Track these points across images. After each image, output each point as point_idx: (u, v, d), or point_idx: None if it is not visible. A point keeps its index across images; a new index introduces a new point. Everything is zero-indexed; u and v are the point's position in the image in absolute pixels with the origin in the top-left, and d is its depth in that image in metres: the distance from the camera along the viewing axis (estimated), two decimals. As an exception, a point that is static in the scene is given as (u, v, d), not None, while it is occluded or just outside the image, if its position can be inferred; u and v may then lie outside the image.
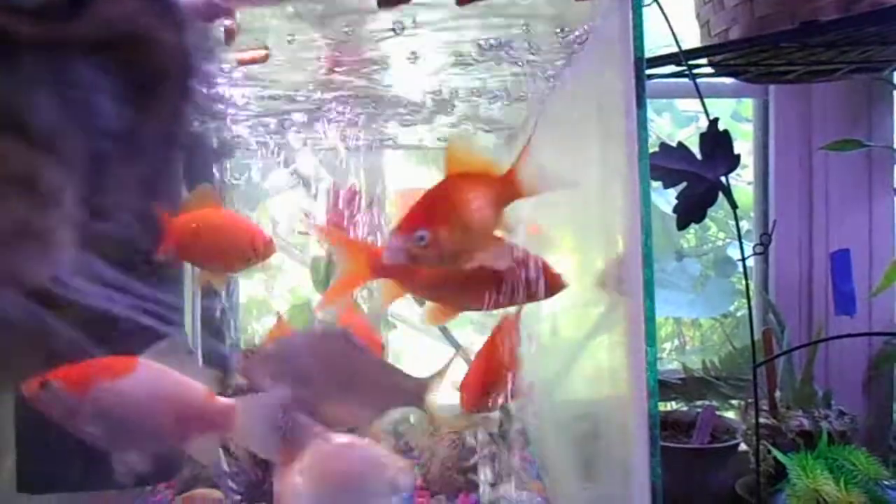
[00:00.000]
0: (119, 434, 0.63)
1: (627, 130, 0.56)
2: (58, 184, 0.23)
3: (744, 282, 1.01)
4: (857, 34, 0.92)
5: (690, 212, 0.92)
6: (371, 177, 1.30)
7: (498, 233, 0.67)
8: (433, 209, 0.63)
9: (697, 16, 1.09)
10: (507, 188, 0.65)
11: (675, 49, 0.95)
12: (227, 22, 0.68)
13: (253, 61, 0.75)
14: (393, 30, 0.74)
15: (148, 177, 0.28)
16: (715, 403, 1.35)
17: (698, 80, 0.95)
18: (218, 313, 1.19)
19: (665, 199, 1.50)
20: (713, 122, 0.92)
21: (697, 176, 0.92)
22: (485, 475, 1.11)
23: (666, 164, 0.92)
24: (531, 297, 0.72)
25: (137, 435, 0.64)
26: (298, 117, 1.14)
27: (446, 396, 0.82)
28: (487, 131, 1.31)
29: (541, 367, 1.10)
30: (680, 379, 1.39)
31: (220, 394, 0.69)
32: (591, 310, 0.81)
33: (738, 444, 1.23)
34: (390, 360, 1.19)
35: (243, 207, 1.34)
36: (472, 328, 1.33)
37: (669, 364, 1.66)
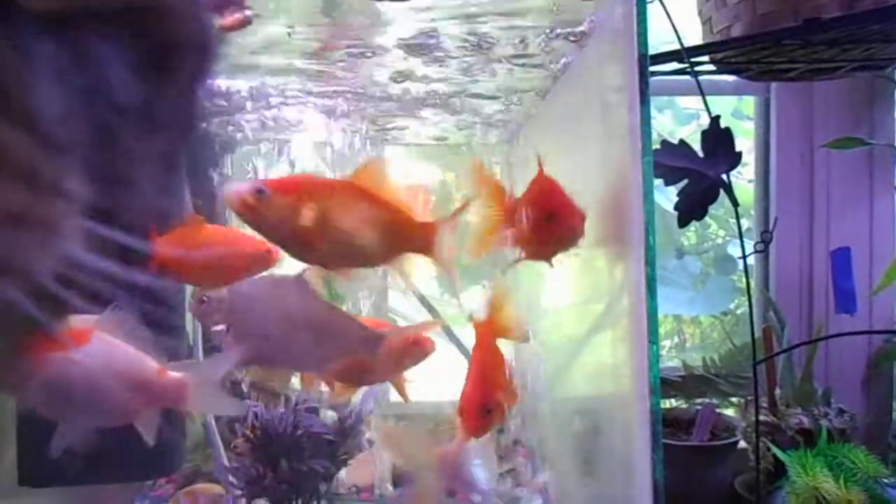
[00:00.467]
0: (67, 405, 0.62)
1: (631, 127, 0.56)
2: (61, 170, 0.22)
3: (744, 279, 1.01)
4: (859, 32, 0.92)
5: (691, 209, 0.92)
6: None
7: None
8: (304, 186, 0.63)
9: (699, 13, 1.08)
10: (409, 231, 0.66)
11: (676, 46, 0.95)
12: (245, 13, 0.67)
13: (235, 25, 0.73)
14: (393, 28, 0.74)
15: (162, 155, 0.26)
16: (715, 401, 1.35)
17: (700, 78, 0.95)
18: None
19: (666, 197, 1.50)
20: (715, 120, 0.92)
21: (698, 173, 0.91)
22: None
23: (667, 161, 0.92)
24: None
25: (86, 407, 0.63)
26: (296, 112, 1.14)
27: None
28: (488, 128, 1.31)
29: (542, 364, 1.10)
30: (680, 376, 1.39)
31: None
32: (594, 306, 0.81)
33: (737, 442, 1.23)
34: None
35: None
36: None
37: (669, 361, 1.67)
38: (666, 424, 1.28)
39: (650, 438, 0.55)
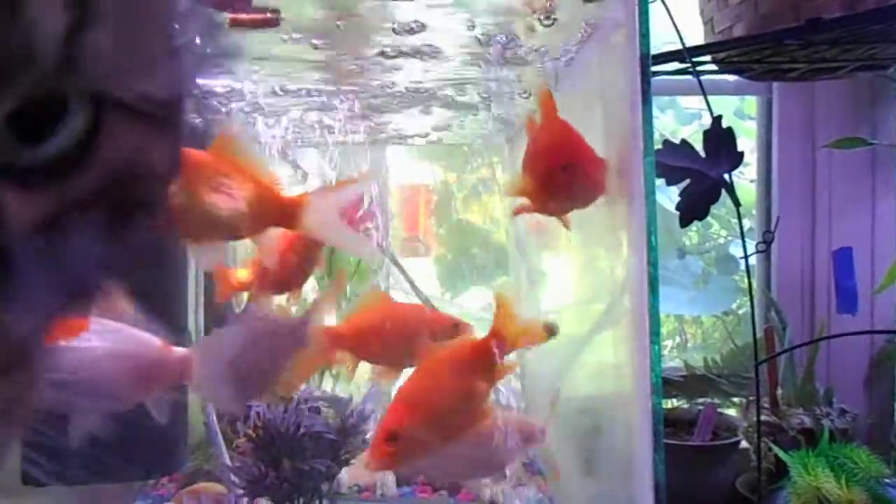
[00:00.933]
0: (76, 395, 0.61)
1: (633, 127, 0.56)
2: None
3: (746, 279, 1.01)
4: (861, 32, 0.92)
5: (693, 209, 0.92)
6: (373, 171, 1.30)
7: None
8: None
9: (701, 13, 1.08)
10: (273, 204, 0.64)
11: (678, 46, 0.95)
12: (270, 14, 0.66)
13: (258, 22, 0.71)
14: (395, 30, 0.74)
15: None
16: (716, 401, 1.35)
17: (702, 78, 0.95)
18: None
19: (667, 197, 1.50)
20: (717, 120, 0.92)
21: (700, 173, 0.91)
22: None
23: (669, 161, 0.92)
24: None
25: (95, 393, 0.63)
26: (299, 111, 1.14)
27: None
28: (488, 127, 1.31)
29: (544, 363, 1.10)
30: (681, 376, 1.39)
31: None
32: (595, 305, 0.81)
33: (739, 442, 1.24)
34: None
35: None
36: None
37: (671, 361, 1.66)
38: (668, 424, 1.28)
39: (652, 438, 0.55)
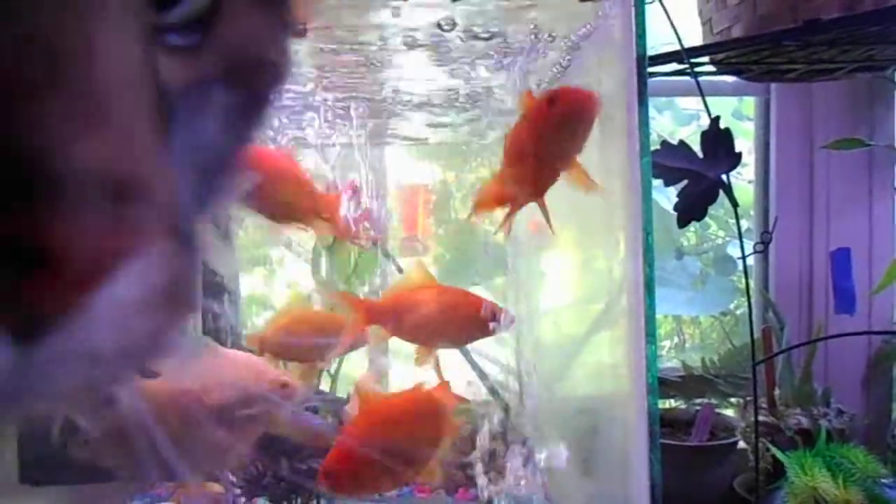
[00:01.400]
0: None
1: (629, 128, 0.56)
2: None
3: (744, 280, 1.01)
4: (859, 33, 0.92)
5: (691, 210, 0.92)
6: (372, 172, 1.30)
7: None
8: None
9: (699, 13, 1.09)
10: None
11: (676, 47, 0.95)
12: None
13: None
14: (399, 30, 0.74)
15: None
16: (714, 401, 1.35)
17: (700, 79, 0.95)
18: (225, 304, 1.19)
19: (665, 197, 1.50)
20: (714, 121, 0.92)
21: (698, 174, 0.92)
22: (484, 470, 1.11)
23: (667, 162, 0.92)
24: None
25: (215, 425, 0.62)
26: (298, 112, 1.14)
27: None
28: (488, 127, 1.31)
29: (541, 363, 1.10)
30: (679, 377, 1.39)
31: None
32: (592, 306, 0.81)
33: (736, 442, 1.24)
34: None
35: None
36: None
37: (669, 362, 1.67)
38: (665, 424, 1.28)
39: (648, 438, 0.55)
